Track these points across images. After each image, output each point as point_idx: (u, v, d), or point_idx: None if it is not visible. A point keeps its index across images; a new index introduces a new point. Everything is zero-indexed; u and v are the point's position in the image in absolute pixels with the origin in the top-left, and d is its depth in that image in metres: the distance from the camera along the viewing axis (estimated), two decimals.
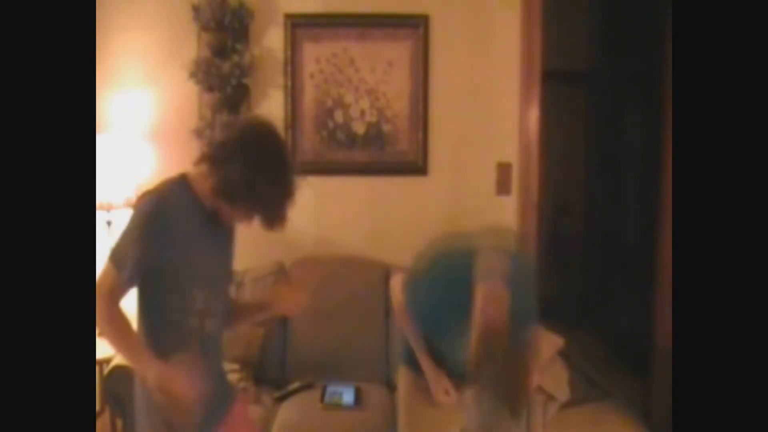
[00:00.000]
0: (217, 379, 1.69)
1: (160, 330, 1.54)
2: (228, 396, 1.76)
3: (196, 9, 2.82)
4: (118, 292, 1.48)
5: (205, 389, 1.48)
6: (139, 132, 2.92)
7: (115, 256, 1.48)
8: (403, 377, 2.03)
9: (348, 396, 2.49)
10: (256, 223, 1.55)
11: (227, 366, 2.04)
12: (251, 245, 2.09)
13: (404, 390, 2.02)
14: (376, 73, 2.96)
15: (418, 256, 1.86)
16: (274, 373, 2.69)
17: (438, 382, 1.88)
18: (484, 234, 1.81)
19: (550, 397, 2.40)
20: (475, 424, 1.68)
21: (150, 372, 1.41)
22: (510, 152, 3.02)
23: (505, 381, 1.52)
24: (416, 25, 2.94)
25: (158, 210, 1.47)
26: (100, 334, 1.52)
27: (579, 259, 4.78)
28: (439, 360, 1.88)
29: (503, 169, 3.02)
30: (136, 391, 1.63)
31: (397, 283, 1.96)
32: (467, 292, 1.63)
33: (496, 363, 1.52)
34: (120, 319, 1.48)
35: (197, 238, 1.53)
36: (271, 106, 2.96)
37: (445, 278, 1.72)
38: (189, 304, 1.52)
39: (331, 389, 2.53)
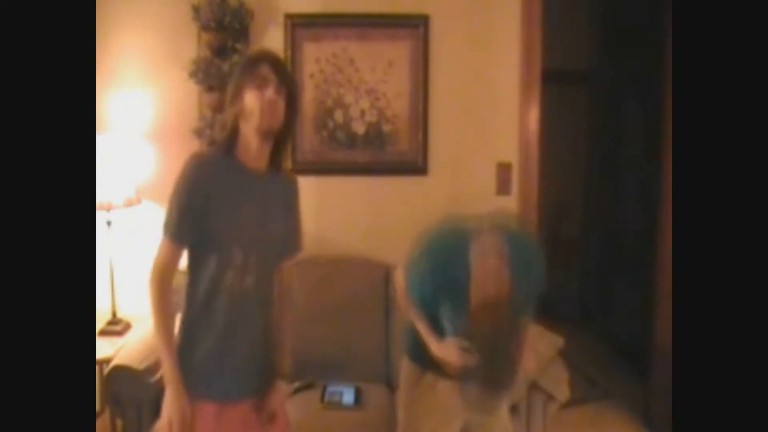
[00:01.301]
0: (254, 350, 1.73)
1: (201, 283, 1.64)
2: (263, 377, 1.77)
3: (196, 9, 2.82)
4: (171, 261, 1.63)
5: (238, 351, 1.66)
6: (139, 132, 2.92)
7: (167, 225, 1.62)
8: (405, 370, 2.01)
9: (348, 396, 2.49)
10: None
11: None
12: None
13: (405, 382, 2.00)
14: (376, 73, 2.96)
15: (417, 240, 1.85)
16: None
17: (449, 348, 1.74)
18: (484, 217, 1.80)
19: (550, 397, 2.40)
20: (469, 409, 1.68)
21: (169, 370, 1.61)
22: (510, 152, 3.02)
23: (495, 362, 1.52)
24: (416, 25, 2.94)
25: (197, 172, 1.61)
26: (150, 307, 1.65)
27: (579, 259, 4.78)
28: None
29: (503, 169, 3.02)
30: None
31: (399, 271, 1.96)
32: (465, 270, 1.63)
33: (489, 341, 1.52)
34: (165, 297, 1.62)
35: (237, 198, 1.63)
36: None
37: (443, 258, 1.72)
38: (227, 260, 1.62)
39: (331, 389, 2.53)
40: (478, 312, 1.58)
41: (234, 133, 1.65)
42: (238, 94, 1.63)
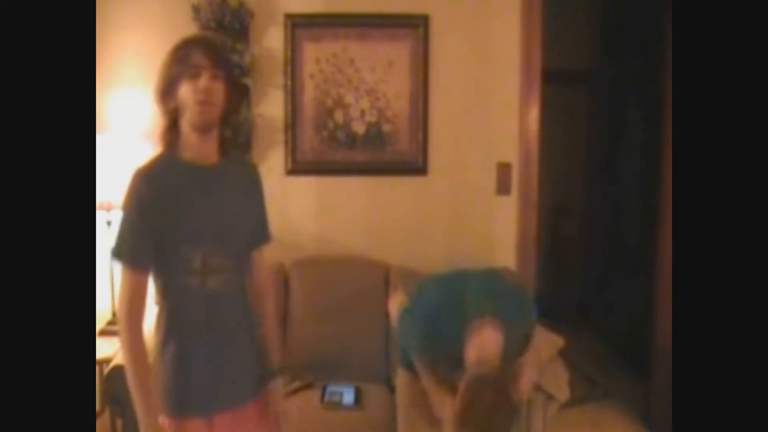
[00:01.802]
0: (237, 353, 1.60)
1: (167, 293, 1.54)
2: (248, 386, 1.64)
3: (196, 9, 2.82)
4: (138, 288, 1.49)
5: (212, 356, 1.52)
6: (139, 132, 2.92)
7: (118, 250, 1.49)
8: (401, 380, 2.02)
9: (348, 396, 2.49)
10: None
11: None
12: None
13: (402, 393, 2.01)
14: (376, 73, 2.96)
15: (413, 289, 1.88)
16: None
17: (438, 395, 1.80)
18: (478, 273, 1.83)
19: (550, 397, 2.40)
20: None
21: (143, 424, 1.47)
22: (510, 152, 3.02)
23: (490, 424, 1.52)
24: (416, 25, 2.94)
25: (141, 186, 1.48)
26: (120, 342, 1.53)
27: (579, 259, 4.78)
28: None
29: (503, 169, 3.02)
30: None
31: (393, 302, 1.97)
32: (457, 331, 1.66)
33: (484, 418, 1.53)
34: (136, 331, 1.48)
35: (188, 201, 1.51)
36: (271, 106, 2.96)
37: (435, 313, 1.76)
38: (186, 264, 1.50)
39: (331, 389, 2.53)
40: (471, 387, 1.58)
41: (172, 132, 1.53)
42: (170, 88, 1.50)
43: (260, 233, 1.71)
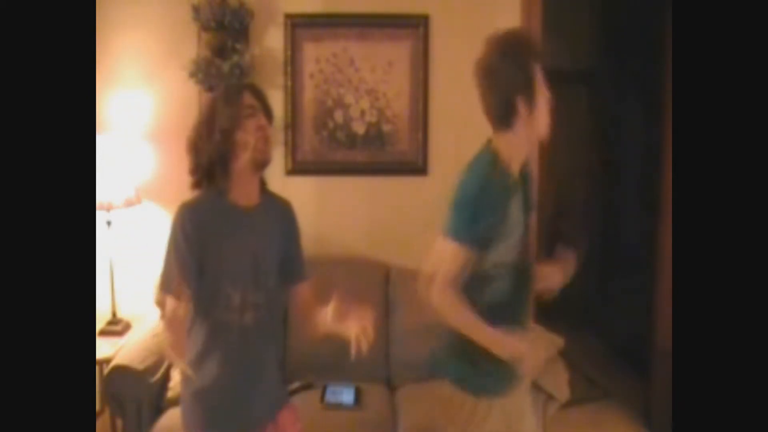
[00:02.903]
0: (266, 376, 1.69)
1: (203, 322, 1.60)
2: (277, 399, 1.75)
3: (196, 9, 2.82)
4: (183, 316, 1.53)
5: (248, 382, 1.61)
6: (139, 132, 2.92)
7: (165, 282, 1.54)
8: (444, 390, 1.78)
9: (348, 396, 2.49)
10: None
11: None
12: None
13: (446, 405, 1.78)
14: (376, 73, 2.96)
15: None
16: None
17: (504, 343, 1.62)
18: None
19: (550, 397, 2.40)
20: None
21: None
22: None
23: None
24: (416, 25, 2.94)
25: (189, 221, 1.53)
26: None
27: (579, 259, 4.77)
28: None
29: None
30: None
31: (440, 238, 1.75)
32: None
33: None
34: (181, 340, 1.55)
35: (231, 241, 1.57)
36: (272, 106, 2.95)
37: (494, 183, 1.67)
38: (226, 301, 1.57)
39: (331, 389, 2.53)
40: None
41: (226, 172, 1.56)
42: (227, 129, 1.53)
43: (299, 271, 1.77)
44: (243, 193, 1.59)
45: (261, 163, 1.57)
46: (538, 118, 1.66)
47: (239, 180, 1.58)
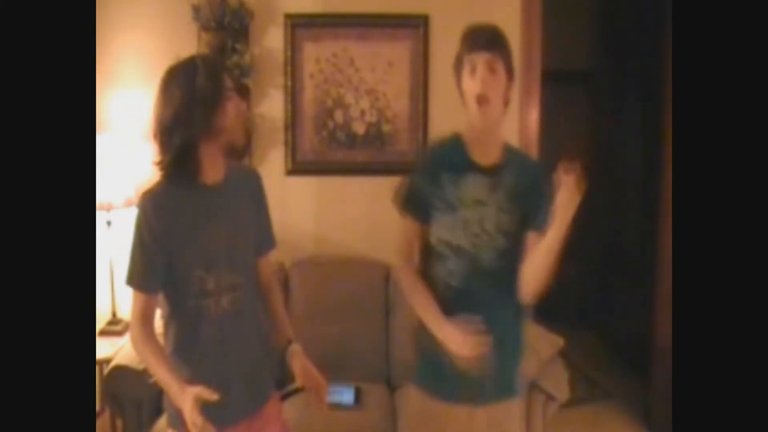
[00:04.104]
0: (250, 363, 1.63)
1: (178, 314, 1.54)
2: (260, 392, 1.69)
3: (196, 9, 2.82)
4: (148, 310, 1.50)
5: (226, 371, 1.53)
6: (139, 132, 2.92)
7: (131, 276, 1.50)
8: (414, 400, 1.80)
9: (348, 396, 2.49)
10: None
11: None
12: None
13: (415, 414, 1.80)
14: (376, 73, 2.96)
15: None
16: (274, 373, 2.68)
17: (455, 337, 1.58)
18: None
19: (550, 397, 2.40)
20: None
21: (180, 398, 1.40)
22: None
23: None
24: (416, 25, 2.94)
25: (153, 210, 1.47)
26: (139, 358, 1.55)
27: (579, 259, 4.77)
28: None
29: None
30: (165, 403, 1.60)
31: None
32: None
33: None
34: (152, 343, 1.49)
35: (201, 224, 1.50)
36: (271, 106, 2.96)
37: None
38: (200, 286, 1.51)
39: (331, 389, 2.52)
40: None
41: (194, 155, 1.46)
42: (207, 112, 1.43)
43: (266, 241, 1.71)
44: (210, 171, 1.51)
45: (241, 146, 1.52)
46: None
47: (208, 162, 1.49)
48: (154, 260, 1.47)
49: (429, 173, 1.67)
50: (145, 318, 1.49)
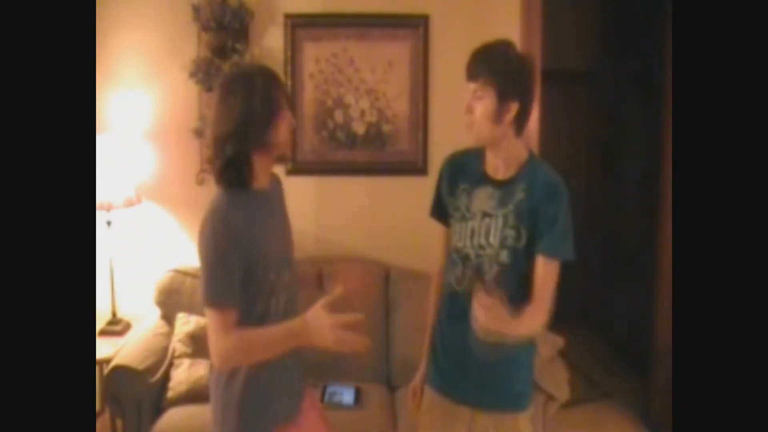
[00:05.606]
0: (293, 367, 1.65)
1: (247, 319, 1.50)
2: (299, 392, 1.72)
3: (196, 9, 2.82)
4: (232, 324, 1.45)
5: (283, 374, 1.58)
6: (139, 132, 2.92)
7: (214, 296, 1.46)
8: (426, 398, 1.85)
9: (348, 396, 2.49)
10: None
11: None
12: None
13: (426, 412, 1.85)
14: (376, 73, 2.96)
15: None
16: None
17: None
18: None
19: (550, 397, 2.40)
20: None
21: (312, 327, 1.42)
22: None
23: None
24: (416, 25, 2.94)
25: (214, 231, 1.45)
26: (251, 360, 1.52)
27: (579, 260, 4.77)
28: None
29: None
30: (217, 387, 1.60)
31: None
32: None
33: None
34: (246, 335, 1.46)
35: (259, 227, 1.53)
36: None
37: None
38: (270, 286, 1.53)
39: (331, 389, 2.53)
40: None
41: (247, 165, 1.49)
42: (264, 128, 1.46)
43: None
44: (261, 178, 1.55)
45: (288, 156, 1.61)
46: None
47: (261, 171, 1.54)
48: (233, 274, 1.45)
49: (448, 181, 1.78)
50: (230, 331, 1.45)
